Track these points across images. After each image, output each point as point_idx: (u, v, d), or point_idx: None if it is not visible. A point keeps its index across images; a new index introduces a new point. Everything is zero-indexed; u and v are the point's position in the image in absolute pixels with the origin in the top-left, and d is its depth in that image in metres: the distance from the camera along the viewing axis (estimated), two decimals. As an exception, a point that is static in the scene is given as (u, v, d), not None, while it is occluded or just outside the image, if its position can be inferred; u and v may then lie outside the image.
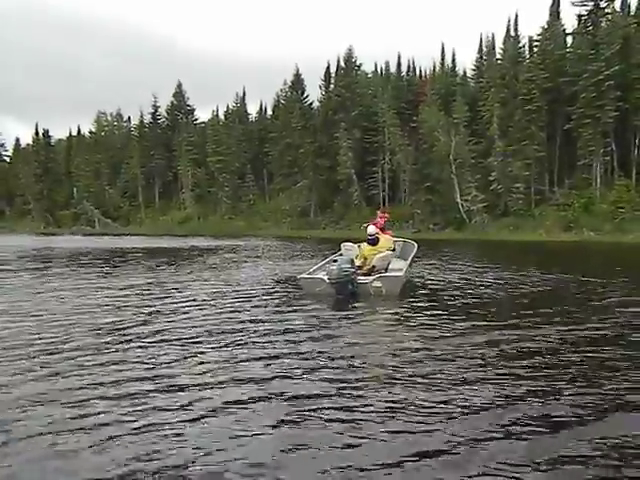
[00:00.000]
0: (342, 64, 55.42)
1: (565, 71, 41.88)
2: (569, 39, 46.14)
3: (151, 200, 70.06)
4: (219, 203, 62.68)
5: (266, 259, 20.54)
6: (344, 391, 4.70)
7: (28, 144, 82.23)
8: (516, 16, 47.93)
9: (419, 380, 4.96)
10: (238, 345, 6.39)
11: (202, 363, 5.59)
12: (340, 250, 13.93)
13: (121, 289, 11.49)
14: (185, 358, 5.82)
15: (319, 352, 6.03)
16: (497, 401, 4.43)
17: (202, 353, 6.01)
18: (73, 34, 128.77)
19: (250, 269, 16.24)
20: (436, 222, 44.28)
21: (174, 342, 6.54)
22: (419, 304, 9.27)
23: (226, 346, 6.34)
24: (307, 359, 5.77)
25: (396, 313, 8.70)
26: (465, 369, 5.30)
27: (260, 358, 5.79)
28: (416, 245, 14.94)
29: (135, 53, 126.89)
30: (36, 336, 6.79)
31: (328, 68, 55.83)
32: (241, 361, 5.68)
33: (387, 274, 10.94)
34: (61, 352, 6.00)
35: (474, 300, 9.86)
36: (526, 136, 41.17)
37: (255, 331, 7.16)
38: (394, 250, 14.34)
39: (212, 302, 9.71)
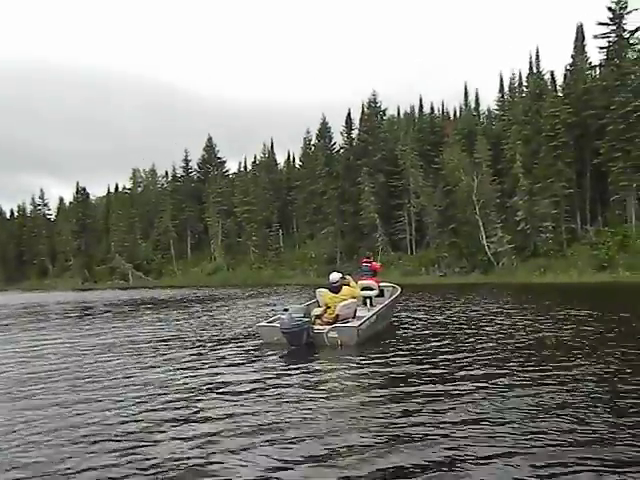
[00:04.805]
0: (366, 109, 55.51)
1: (590, 105, 40.26)
2: (594, 72, 44.71)
3: (184, 252, 70.83)
4: (248, 253, 62.66)
5: (263, 305, 20.75)
6: None
7: (70, 202, 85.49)
8: (537, 52, 47.26)
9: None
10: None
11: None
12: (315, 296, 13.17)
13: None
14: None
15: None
16: None
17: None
18: (106, 94, 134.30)
19: (233, 314, 17.05)
20: (462, 265, 42.42)
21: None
22: (372, 358, 8.34)
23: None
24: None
25: (335, 369, 7.85)
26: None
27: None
28: (399, 290, 14.01)
29: (168, 108, 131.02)
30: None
31: (349, 114, 55.96)
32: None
33: (342, 324, 10.09)
34: None
35: (444, 356, 8.50)
36: (552, 173, 39.30)
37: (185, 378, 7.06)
38: (382, 296, 13.57)
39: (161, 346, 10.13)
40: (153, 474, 3.89)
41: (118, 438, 4.68)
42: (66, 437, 4.73)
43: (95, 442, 4.60)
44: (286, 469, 3.96)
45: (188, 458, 4.19)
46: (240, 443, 4.50)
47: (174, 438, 4.66)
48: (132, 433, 4.84)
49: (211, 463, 4.06)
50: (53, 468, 4.05)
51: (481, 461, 3.96)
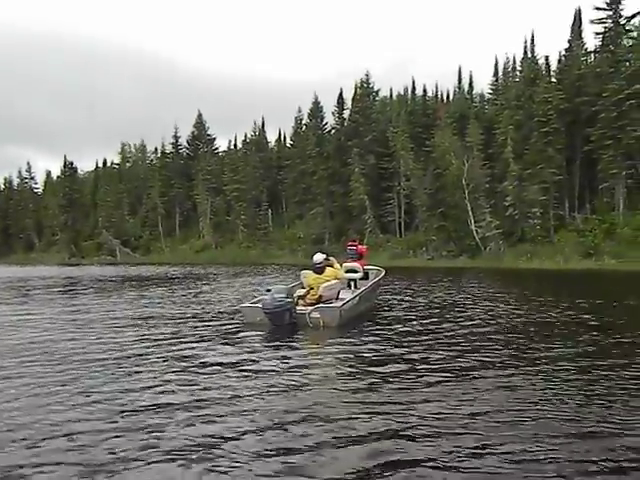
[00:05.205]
0: (358, 89, 55.00)
1: (584, 91, 40.13)
2: (589, 58, 44.50)
3: (172, 229, 70.39)
4: (236, 231, 62.45)
5: (249, 284, 20.65)
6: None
7: (58, 176, 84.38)
8: (532, 36, 46.95)
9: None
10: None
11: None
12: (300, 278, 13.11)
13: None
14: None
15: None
16: None
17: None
18: (103, 66, 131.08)
19: (219, 293, 16.92)
20: (450, 249, 42.55)
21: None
22: (352, 339, 8.36)
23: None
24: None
25: (314, 349, 8.01)
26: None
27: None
28: (383, 273, 13.98)
29: (161, 82, 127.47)
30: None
31: (341, 94, 55.51)
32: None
33: (324, 305, 10.07)
34: None
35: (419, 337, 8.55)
36: (543, 159, 39.24)
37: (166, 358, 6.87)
38: (366, 278, 13.54)
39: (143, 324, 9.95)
40: (111, 447, 3.88)
41: (81, 408, 4.69)
42: (30, 408, 4.72)
43: (57, 411, 4.60)
44: (237, 439, 4.01)
45: (143, 429, 4.21)
46: (198, 414, 4.55)
47: (135, 410, 4.68)
48: (96, 402, 4.85)
49: (168, 437, 4.06)
50: (16, 435, 4.05)
51: (429, 439, 4.00)
